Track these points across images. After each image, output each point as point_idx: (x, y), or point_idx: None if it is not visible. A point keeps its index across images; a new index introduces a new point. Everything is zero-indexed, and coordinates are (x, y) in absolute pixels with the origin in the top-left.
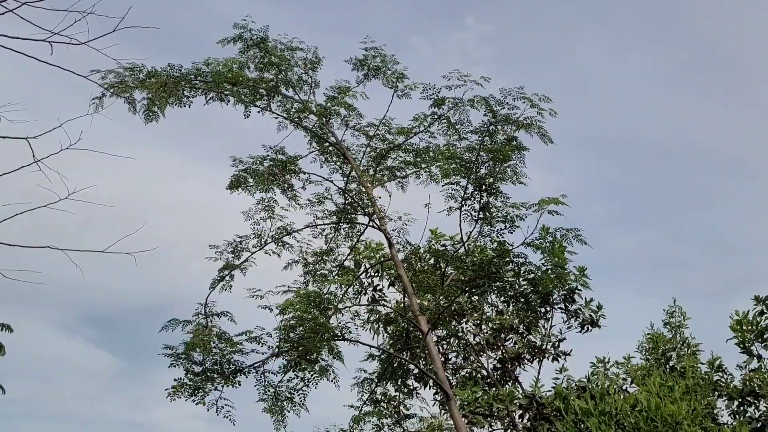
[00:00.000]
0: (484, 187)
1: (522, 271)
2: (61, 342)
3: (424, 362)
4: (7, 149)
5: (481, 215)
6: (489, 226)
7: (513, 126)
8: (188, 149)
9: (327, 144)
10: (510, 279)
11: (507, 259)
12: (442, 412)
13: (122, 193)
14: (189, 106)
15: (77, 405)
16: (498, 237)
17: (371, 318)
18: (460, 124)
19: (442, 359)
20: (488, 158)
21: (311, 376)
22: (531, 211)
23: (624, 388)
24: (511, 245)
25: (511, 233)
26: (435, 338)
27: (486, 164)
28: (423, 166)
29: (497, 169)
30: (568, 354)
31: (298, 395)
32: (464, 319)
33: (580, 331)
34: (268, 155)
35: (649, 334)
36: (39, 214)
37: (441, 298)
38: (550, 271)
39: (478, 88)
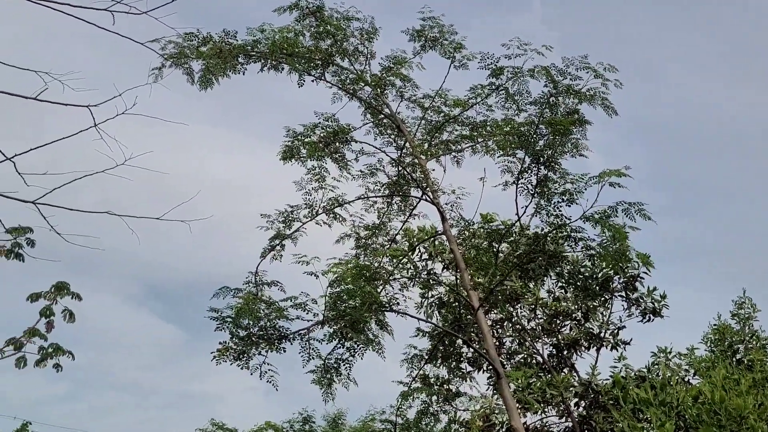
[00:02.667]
0: (542, 160)
1: (580, 247)
2: (129, 313)
3: (477, 344)
4: (70, 117)
5: (538, 189)
6: (546, 201)
7: (575, 98)
8: (241, 123)
9: (381, 116)
10: (567, 258)
11: (564, 234)
12: (493, 394)
13: (176, 163)
14: (243, 74)
15: (142, 374)
16: (555, 210)
17: (424, 302)
18: (519, 95)
19: (497, 343)
20: (548, 131)
21: (357, 345)
22: (591, 184)
23: (686, 379)
24: (569, 218)
25: (569, 206)
26: (489, 322)
27: (545, 137)
28: (479, 140)
29: (557, 143)
30: (628, 343)
31: (344, 366)
32: (518, 304)
33: (642, 320)
34: (320, 123)
35: (715, 325)
36: (97, 181)
37: (493, 275)
38: (611, 247)
39: (539, 58)
